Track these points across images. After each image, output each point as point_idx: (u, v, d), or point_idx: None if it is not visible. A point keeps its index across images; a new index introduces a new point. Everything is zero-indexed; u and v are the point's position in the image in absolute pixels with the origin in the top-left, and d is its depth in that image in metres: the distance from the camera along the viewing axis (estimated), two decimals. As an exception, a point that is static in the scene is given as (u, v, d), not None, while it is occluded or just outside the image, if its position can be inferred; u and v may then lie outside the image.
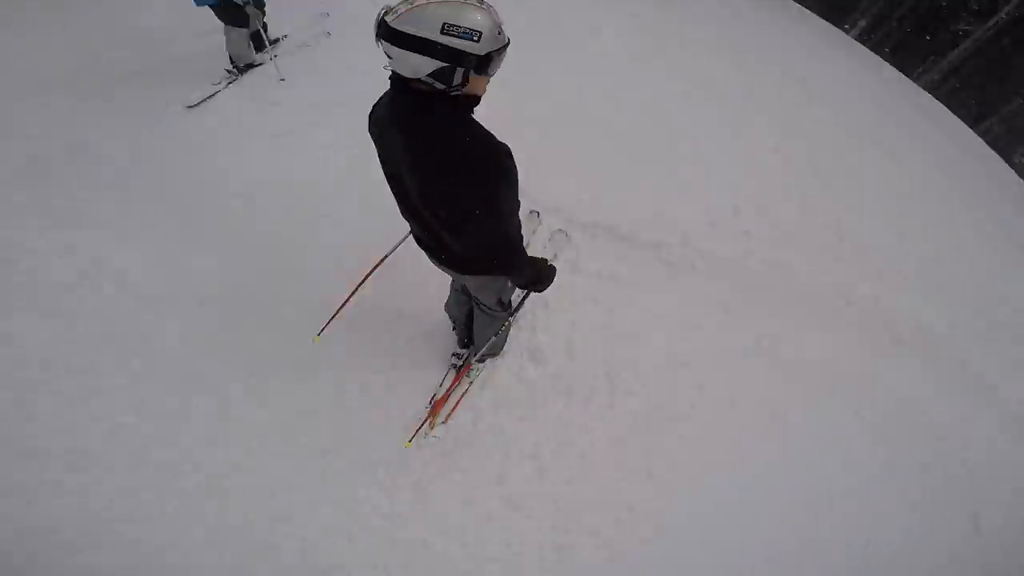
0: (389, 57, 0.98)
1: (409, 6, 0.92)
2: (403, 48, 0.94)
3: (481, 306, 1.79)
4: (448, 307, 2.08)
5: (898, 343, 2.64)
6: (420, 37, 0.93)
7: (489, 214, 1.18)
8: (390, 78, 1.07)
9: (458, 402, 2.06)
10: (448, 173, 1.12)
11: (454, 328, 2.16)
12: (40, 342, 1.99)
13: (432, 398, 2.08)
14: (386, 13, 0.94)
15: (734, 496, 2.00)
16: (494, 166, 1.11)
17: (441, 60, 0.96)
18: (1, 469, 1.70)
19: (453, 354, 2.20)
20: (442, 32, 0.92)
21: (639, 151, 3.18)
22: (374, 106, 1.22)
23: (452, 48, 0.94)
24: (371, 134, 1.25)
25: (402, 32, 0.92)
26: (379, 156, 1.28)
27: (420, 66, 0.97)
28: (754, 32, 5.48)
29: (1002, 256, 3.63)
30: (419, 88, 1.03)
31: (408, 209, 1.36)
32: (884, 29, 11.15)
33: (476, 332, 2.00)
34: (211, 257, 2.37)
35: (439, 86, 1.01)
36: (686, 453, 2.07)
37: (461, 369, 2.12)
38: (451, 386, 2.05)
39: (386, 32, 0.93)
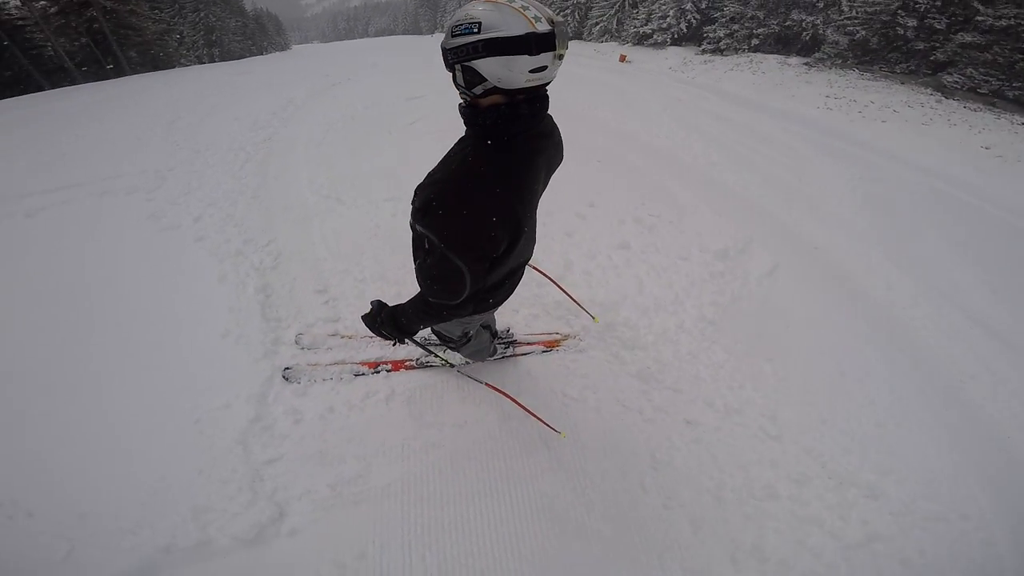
0: (561, 62, 0.97)
1: (545, 7, 0.95)
2: None
3: None
4: (487, 348, 2.07)
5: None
6: None
7: None
8: (536, 97, 1.02)
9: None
10: (558, 131, 1.22)
11: (493, 354, 2.26)
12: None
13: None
14: (562, 28, 0.92)
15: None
16: None
17: None
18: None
19: (504, 354, 2.32)
20: None
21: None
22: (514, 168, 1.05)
23: None
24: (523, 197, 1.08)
25: None
26: (525, 210, 1.10)
27: None
28: None
29: None
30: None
31: (532, 239, 1.31)
32: None
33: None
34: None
35: None
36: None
37: (515, 337, 2.40)
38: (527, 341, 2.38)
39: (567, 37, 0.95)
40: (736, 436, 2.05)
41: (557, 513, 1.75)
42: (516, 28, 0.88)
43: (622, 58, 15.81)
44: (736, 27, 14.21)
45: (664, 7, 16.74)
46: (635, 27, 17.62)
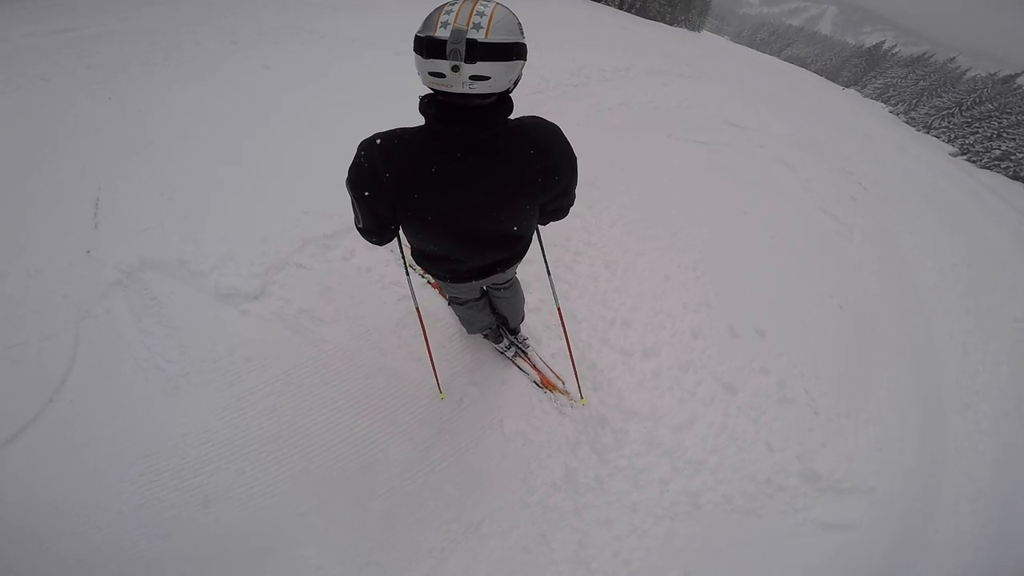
0: (480, 79, 0.95)
1: (484, 17, 0.92)
2: (504, 60, 0.95)
3: (508, 285, 1.90)
4: (476, 326, 2.19)
5: None
6: (513, 42, 0.96)
7: (572, 181, 1.33)
8: (447, 106, 1.03)
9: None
10: (531, 162, 1.18)
11: (487, 336, 2.37)
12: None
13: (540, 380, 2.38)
14: (457, 37, 0.90)
15: None
16: (566, 142, 1.24)
17: (522, 59, 1.01)
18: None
19: (504, 351, 2.40)
20: (520, 32, 0.99)
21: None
22: (401, 154, 1.12)
23: (523, 44, 1.01)
24: (404, 185, 1.14)
25: (501, 43, 0.93)
26: (424, 202, 1.18)
27: (513, 72, 0.99)
28: None
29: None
30: (488, 102, 1.04)
31: (476, 237, 1.34)
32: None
33: (510, 310, 2.16)
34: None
35: (510, 88, 1.05)
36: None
37: (525, 350, 2.44)
38: (533, 363, 2.41)
39: (483, 51, 0.91)
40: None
41: (375, 471, 1.93)
42: (424, 29, 0.94)
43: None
44: None
45: None
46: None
